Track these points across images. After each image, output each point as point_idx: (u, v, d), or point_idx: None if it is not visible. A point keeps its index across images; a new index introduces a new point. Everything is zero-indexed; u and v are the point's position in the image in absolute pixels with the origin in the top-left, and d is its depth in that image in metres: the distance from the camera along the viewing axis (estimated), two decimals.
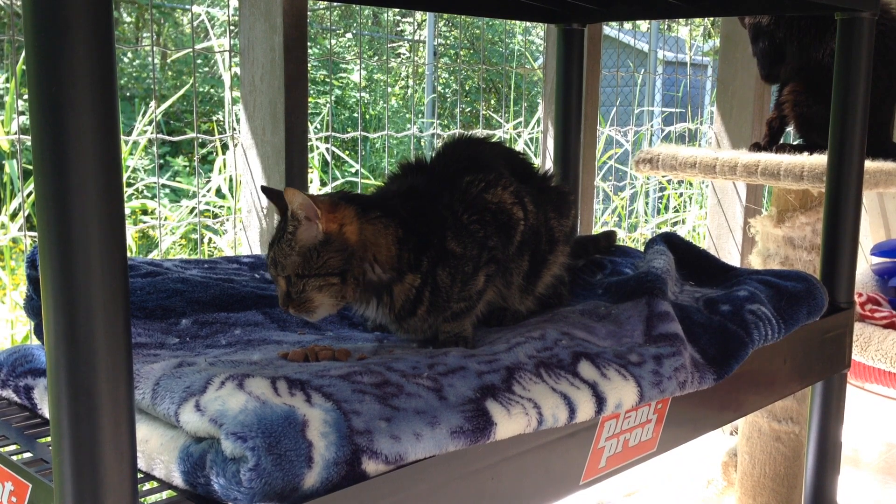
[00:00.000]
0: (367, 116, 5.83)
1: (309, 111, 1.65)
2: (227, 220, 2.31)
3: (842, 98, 1.33)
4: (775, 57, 1.87)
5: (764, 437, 1.90)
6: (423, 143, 3.82)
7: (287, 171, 1.53)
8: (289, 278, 0.93)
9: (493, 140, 1.23)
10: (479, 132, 2.72)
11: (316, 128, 4.17)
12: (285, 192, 0.92)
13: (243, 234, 1.70)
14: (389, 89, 6.00)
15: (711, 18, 4.19)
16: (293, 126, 1.53)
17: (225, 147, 2.53)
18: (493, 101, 6.53)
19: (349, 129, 5.45)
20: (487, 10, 1.59)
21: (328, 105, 2.55)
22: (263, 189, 1.05)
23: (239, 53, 1.60)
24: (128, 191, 3.10)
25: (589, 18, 1.61)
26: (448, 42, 6.76)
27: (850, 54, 1.32)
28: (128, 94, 5.38)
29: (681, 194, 4.42)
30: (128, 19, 5.86)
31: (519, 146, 3.39)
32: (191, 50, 1.91)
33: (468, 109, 6.38)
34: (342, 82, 5.83)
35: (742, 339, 1.09)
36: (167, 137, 2.04)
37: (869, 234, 2.93)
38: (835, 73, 1.33)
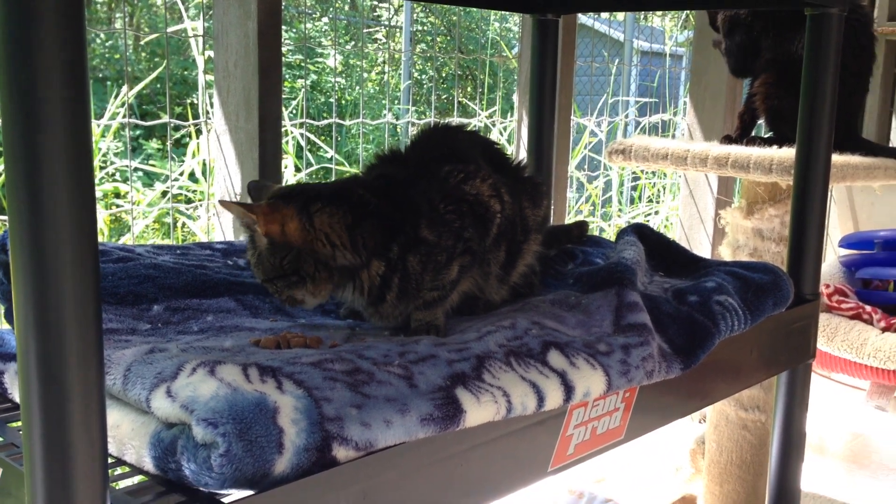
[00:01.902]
0: (343, 102, 5.82)
1: (284, 96, 1.65)
2: (201, 205, 2.30)
3: (810, 93, 1.35)
4: (751, 50, 1.89)
5: (731, 426, 1.94)
6: (398, 130, 3.82)
7: (261, 157, 1.53)
8: (264, 282, 0.97)
9: (469, 129, 1.24)
10: (455, 120, 2.72)
11: (291, 113, 4.15)
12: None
13: (216, 219, 1.70)
14: (365, 75, 5.98)
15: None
16: (267, 112, 1.53)
17: (199, 131, 2.52)
18: (469, 89, 6.53)
19: (325, 115, 5.44)
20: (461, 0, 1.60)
21: (303, 90, 2.53)
22: (251, 186, 1.06)
23: (213, 38, 1.60)
24: (99, 174, 3.08)
25: (564, 8, 1.62)
26: (425, 28, 6.74)
27: (819, 49, 1.34)
28: (100, 75, 5.32)
29: (654, 184, 4.45)
30: None
31: (494, 135, 3.39)
32: (164, 33, 1.89)
33: (444, 96, 6.38)
34: (318, 67, 5.81)
35: (709, 329, 1.11)
36: (140, 122, 2.02)
37: (837, 226, 2.98)
38: (804, 67, 1.35)
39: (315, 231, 0.95)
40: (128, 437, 0.75)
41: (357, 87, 5.56)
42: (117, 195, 3.35)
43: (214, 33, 1.60)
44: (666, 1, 1.48)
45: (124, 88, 2.40)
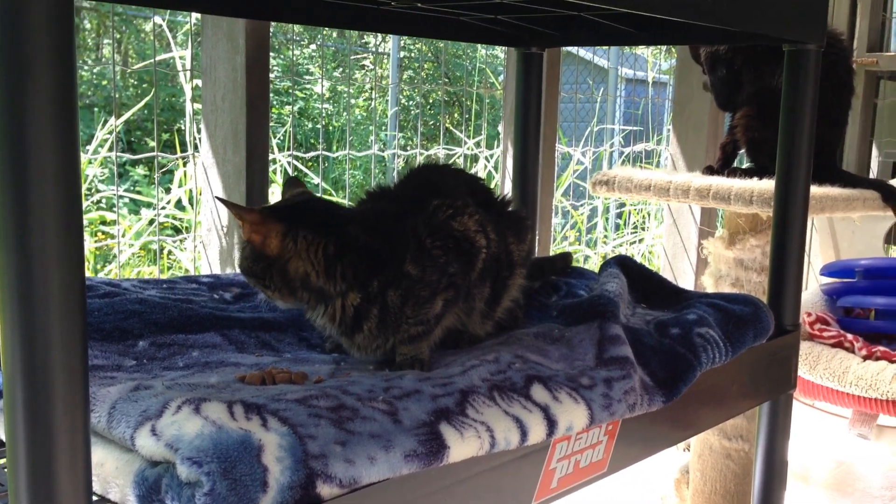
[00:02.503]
0: (331, 128, 5.84)
1: (271, 122, 1.66)
2: (188, 237, 2.31)
3: (789, 127, 1.37)
4: (734, 85, 1.92)
5: (715, 455, 1.95)
6: (385, 157, 3.84)
7: (248, 190, 1.54)
8: (241, 270, 1.03)
9: (455, 167, 1.27)
10: (441, 150, 2.74)
11: (279, 139, 4.17)
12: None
13: (203, 250, 1.70)
14: (353, 101, 6.01)
15: None
16: (254, 145, 1.54)
17: (185, 161, 2.53)
18: (456, 115, 6.57)
19: (312, 140, 5.46)
20: (446, 34, 1.62)
21: (290, 116, 2.55)
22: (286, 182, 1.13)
23: (201, 71, 1.61)
24: (85, 203, 3.08)
25: (549, 43, 1.65)
26: (412, 55, 6.80)
27: (797, 84, 1.36)
28: (87, 101, 5.33)
29: (640, 210, 4.48)
30: (88, 26, 5.80)
31: (481, 164, 3.42)
32: (152, 62, 1.91)
33: (431, 122, 6.41)
34: (306, 93, 5.83)
35: (690, 362, 1.13)
36: (127, 156, 2.03)
37: (819, 255, 3.01)
38: (782, 102, 1.38)
39: (291, 254, 0.99)
40: (112, 475, 0.75)
41: (344, 114, 5.59)
42: (103, 222, 3.34)
43: (203, 67, 1.61)
44: (648, 37, 1.51)
45: (111, 120, 2.41)
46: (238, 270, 1.06)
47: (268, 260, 0.99)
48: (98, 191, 3.88)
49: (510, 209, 1.23)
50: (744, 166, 1.98)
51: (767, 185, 1.66)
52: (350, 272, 0.99)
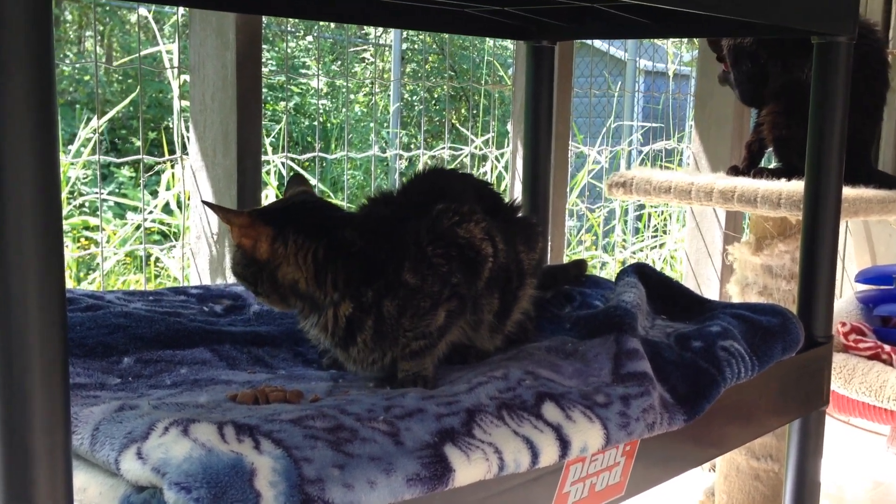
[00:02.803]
0: (329, 125, 5.85)
1: (265, 120, 1.67)
2: (176, 244, 2.32)
3: (819, 124, 1.37)
4: (760, 79, 1.92)
5: (742, 476, 1.94)
6: (387, 155, 3.85)
7: (239, 194, 1.55)
8: (233, 273, 1.05)
9: (462, 171, 1.28)
10: (447, 150, 2.75)
11: (273, 138, 4.18)
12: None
13: (192, 259, 1.71)
14: (352, 96, 6.02)
15: None
16: (246, 148, 1.55)
17: (174, 162, 2.54)
18: (463, 110, 6.58)
19: (309, 139, 5.47)
20: (452, 27, 1.63)
21: (285, 114, 2.55)
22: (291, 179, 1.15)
23: (189, 70, 1.62)
24: (67, 207, 3.09)
25: (560, 36, 1.65)
26: (416, 47, 6.81)
27: (827, 79, 1.36)
28: (69, 98, 5.35)
29: (661, 212, 4.48)
30: (69, 17, 5.83)
31: (489, 165, 3.43)
32: (137, 56, 1.92)
33: (436, 119, 6.42)
34: (301, 88, 5.85)
35: (714, 377, 1.13)
36: (111, 159, 2.04)
37: (854, 260, 3.01)
38: (811, 98, 1.38)
39: (281, 259, 1.00)
40: (96, 501, 0.76)
41: (343, 110, 5.60)
42: (86, 228, 3.36)
43: (190, 65, 1.62)
44: (666, 29, 1.52)
45: (94, 119, 2.42)
46: (230, 280, 1.07)
47: (259, 265, 1.01)
48: (81, 194, 3.90)
49: (520, 215, 1.23)
50: (771, 166, 1.98)
51: (796, 186, 1.66)
52: (341, 279, 1.00)
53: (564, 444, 0.92)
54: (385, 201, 1.12)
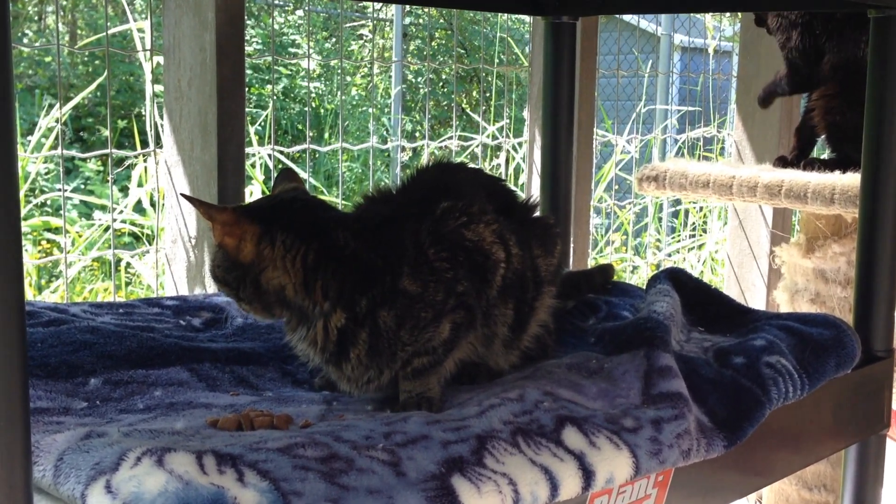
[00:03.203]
0: (322, 111, 5.86)
1: (251, 106, 1.68)
2: (149, 248, 2.33)
3: (876, 108, 1.37)
4: (815, 56, 1.90)
5: None
6: (388, 146, 3.86)
7: (220, 192, 1.56)
8: (212, 277, 1.06)
9: (471, 166, 1.28)
10: (455, 140, 2.76)
11: (259, 128, 4.19)
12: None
13: (167, 265, 1.72)
14: (348, 78, 6.04)
15: None
16: (228, 141, 1.55)
17: (146, 156, 2.56)
18: (474, 94, 6.58)
19: (300, 126, 5.48)
20: (460, 1, 1.63)
21: (272, 98, 2.55)
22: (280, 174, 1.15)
23: (162, 53, 1.63)
24: (27, 207, 3.11)
25: (582, 10, 1.66)
26: (420, 21, 6.82)
27: (886, 58, 1.36)
28: (28, 83, 5.38)
29: (700, 208, 4.47)
30: None
31: (503, 156, 3.43)
32: (104, 35, 1.93)
33: (444, 103, 6.43)
34: (291, 69, 5.87)
35: (758, 397, 1.13)
36: (75, 154, 2.06)
37: None
38: (868, 78, 1.38)
39: (267, 261, 1.01)
40: None
41: (338, 94, 5.61)
42: (48, 229, 3.38)
43: (164, 47, 1.63)
44: (703, 2, 1.52)
45: (56, 108, 2.43)
46: (210, 290, 1.07)
47: (242, 268, 1.01)
48: (42, 191, 3.92)
49: (536, 215, 1.24)
50: (824, 156, 1.98)
51: (853, 179, 1.66)
52: (333, 286, 1.01)
53: (588, 475, 0.93)
54: (384, 200, 1.13)
